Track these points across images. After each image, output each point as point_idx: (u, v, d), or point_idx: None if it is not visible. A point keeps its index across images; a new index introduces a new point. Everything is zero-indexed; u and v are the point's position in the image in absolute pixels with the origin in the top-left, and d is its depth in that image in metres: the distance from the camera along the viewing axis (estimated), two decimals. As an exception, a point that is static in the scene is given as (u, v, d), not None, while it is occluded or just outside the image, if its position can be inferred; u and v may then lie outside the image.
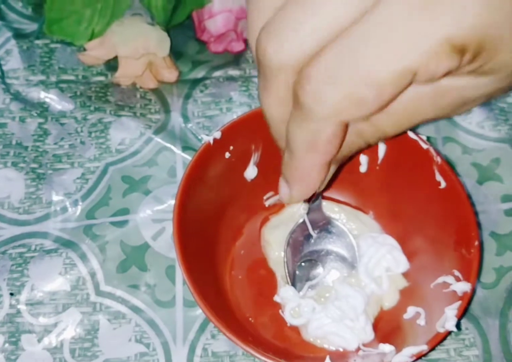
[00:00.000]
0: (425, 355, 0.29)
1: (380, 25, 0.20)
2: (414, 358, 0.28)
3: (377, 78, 0.20)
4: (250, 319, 0.35)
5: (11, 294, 0.36)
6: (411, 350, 0.28)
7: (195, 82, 0.46)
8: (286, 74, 0.22)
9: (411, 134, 0.35)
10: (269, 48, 0.21)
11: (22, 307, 0.35)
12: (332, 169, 0.27)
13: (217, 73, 0.47)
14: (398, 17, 0.19)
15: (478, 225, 0.33)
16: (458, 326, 0.29)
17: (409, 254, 0.37)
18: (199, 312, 0.36)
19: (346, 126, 0.23)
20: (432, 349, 0.29)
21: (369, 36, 0.20)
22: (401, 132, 0.25)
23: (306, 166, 0.25)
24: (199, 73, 0.47)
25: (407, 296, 0.35)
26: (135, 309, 0.36)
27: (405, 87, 0.21)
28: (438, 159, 0.34)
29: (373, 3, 0.20)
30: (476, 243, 0.32)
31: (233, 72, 0.47)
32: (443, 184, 0.34)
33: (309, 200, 0.32)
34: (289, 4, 0.21)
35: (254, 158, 0.37)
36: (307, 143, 0.23)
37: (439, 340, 0.29)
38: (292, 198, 0.28)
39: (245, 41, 0.47)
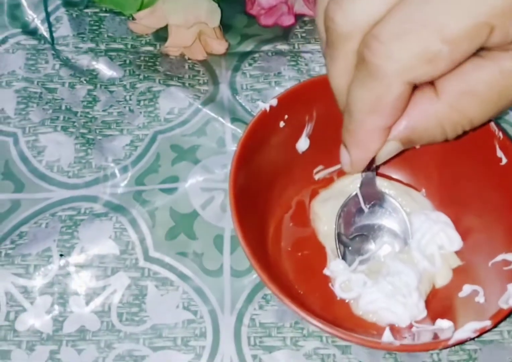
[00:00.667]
0: (487, 331, 0.28)
1: None
2: (477, 333, 0.27)
3: (452, 32, 0.20)
4: (299, 291, 0.35)
5: (61, 255, 0.35)
6: (474, 325, 0.27)
7: (244, 55, 0.46)
8: (353, 40, 0.22)
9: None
10: (337, 15, 0.22)
11: (71, 268, 0.35)
12: (398, 148, 0.27)
13: (266, 47, 0.46)
14: None
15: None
16: (522, 303, 0.28)
17: (463, 233, 0.36)
18: (246, 282, 0.35)
19: (412, 89, 0.22)
20: (496, 325, 0.28)
21: None
22: (487, 120, 0.24)
23: (366, 129, 0.24)
24: (248, 47, 0.46)
25: (461, 274, 0.35)
26: (183, 277, 0.35)
27: (479, 45, 0.20)
28: (500, 135, 0.33)
29: None
30: (540, 221, 0.31)
31: (281, 46, 0.46)
32: (504, 161, 0.33)
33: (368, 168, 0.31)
34: None
35: (307, 129, 0.36)
36: (369, 104, 0.23)
37: (504, 316, 0.28)
38: (352, 165, 0.27)
39: (295, 16, 0.47)
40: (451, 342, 0.27)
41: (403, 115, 0.24)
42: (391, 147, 0.26)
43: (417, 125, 0.24)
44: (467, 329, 0.28)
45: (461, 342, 0.28)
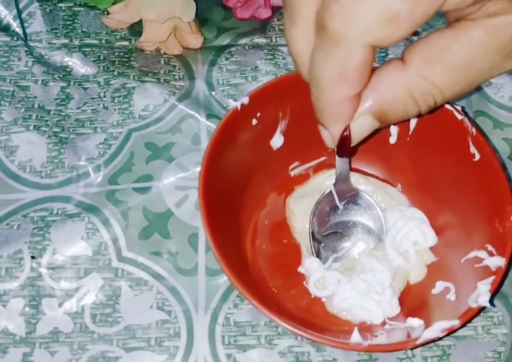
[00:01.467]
0: (456, 330, 0.28)
1: None
2: (446, 333, 0.27)
3: None
4: (273, 289, 0.35)
5: (33, 257, 0.35)
6: (442, 325, 0.27)
7: (220, 49, 0.45)
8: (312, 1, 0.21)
9: (445, 104, 0.33)
10: None
11: (43, 270, 0.35)
12: (373, 125, 0.25)
13: (243, 41, 0.46)
14: None
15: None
16: (491, 302, 0.28)
17: (438, 229, 0.36)
18: (221, 281, 0.35)
19: (375, 52, 0.22)
20: (464, 324, 0.28)
21: None
22: (458, 93, 0.23)
23: (335, 100, 0.23)
24: (224, 40, 0.46)
25: (435, 271, 0.35)
26: (157, 276, 0.35)
27: (438, 5, 0.20)
28: (473, 130, 0.33)
29: None
30: (512, 217, 0.31)
31: (259, 40, 0.46)
32: (477, 157, 0.33)
33: (342, 154, 0.30)
34: None
35: (281, 126, 0.36)
36: (335, 74, 0.22)
37: (472, 315, 0.28)
38: (333, 138, 0.26)
39: (273, 8, 0.46)
40: (419, 341, 0.27)
41: (371, 86, 0.23)
42: (365, 123, 0.25)
43: (386, 96, 0.23)
44: (436, 329, 0.28)
45: (430, 341, 0.28)
